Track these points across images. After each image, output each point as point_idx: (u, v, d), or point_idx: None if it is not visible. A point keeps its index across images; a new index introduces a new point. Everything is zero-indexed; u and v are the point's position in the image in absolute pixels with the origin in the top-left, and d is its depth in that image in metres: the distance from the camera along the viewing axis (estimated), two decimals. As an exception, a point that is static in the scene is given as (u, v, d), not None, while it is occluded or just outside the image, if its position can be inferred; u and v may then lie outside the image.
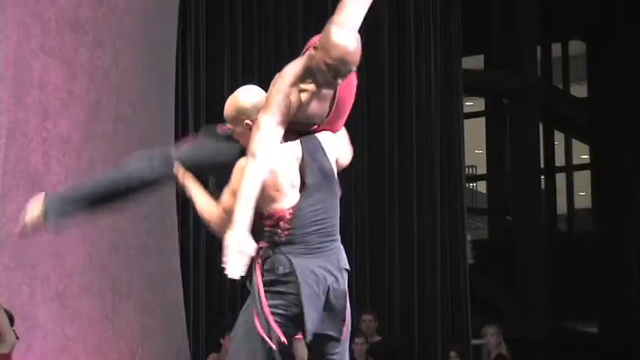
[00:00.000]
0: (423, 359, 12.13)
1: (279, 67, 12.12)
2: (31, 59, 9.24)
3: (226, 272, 3.53)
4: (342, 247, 3.87)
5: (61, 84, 9.44)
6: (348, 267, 3.86)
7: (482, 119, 15.91)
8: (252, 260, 3.66)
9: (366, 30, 12.36)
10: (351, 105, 3.89)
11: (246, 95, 3.85)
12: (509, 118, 15.65)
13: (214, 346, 10.30)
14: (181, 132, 10.64)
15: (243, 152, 3.74)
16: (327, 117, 3.80)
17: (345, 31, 3.72)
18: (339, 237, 3.86)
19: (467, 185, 14.91)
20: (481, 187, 17.45)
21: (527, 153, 15.12)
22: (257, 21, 11.82)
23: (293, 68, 3.75)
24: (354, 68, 3.70)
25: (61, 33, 9.48)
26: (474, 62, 15.50)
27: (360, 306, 11.37)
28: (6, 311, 7.81)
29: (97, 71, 9.79)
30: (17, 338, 7.83)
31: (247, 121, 3.77)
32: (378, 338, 10.35)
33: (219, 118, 11.22)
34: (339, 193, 3.88)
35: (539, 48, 16.05)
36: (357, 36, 3.75)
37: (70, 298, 9.28)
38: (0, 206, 8.90)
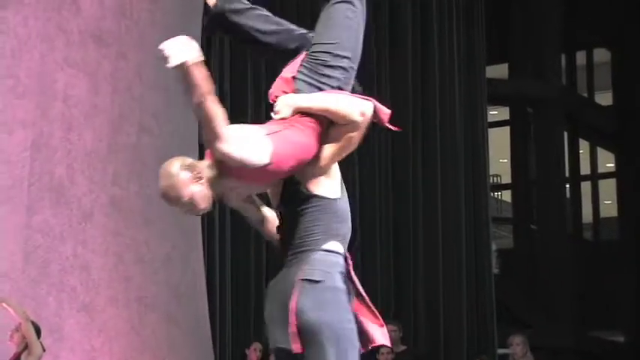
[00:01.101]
0: (449, 369, 12.09)
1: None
2: (55, 72, 9.29)
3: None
4: (311, 256, 3.71)
5: (84, 96, 9.49)
6: (305, 277, 3.66)
7: (507, 128, 15.85)
8: None
9: (390, 39, 12.42)
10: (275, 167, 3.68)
11: None
12: (533, 126, 15.59)
13: (240, 357, 10.30)
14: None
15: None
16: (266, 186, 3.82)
17: (164, 171, 3.65)
18: (311, 247, 3.72)
19: (492, 194, 14.85)
20: (506, 196, 17.38)
21: (552, 162, 15.06)
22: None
23: None
24: (182, 202, 3.62)
25: (85, 46, 9.53)
26: (497, 71, 15.46)
27: (385, 316, 11.35)
28: (33, 323, 7.83)
29: (121, 83, 9.82)
30: (44, 350, 7.86)
31: None
32: (403, 348, 10.32)
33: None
34: (302, 207, 3.76)
35: (563, 56, 16.00)
36: (169, 174, 3.62)
37: (96, 309, 9.31)
38: (26, 218, 8.94)
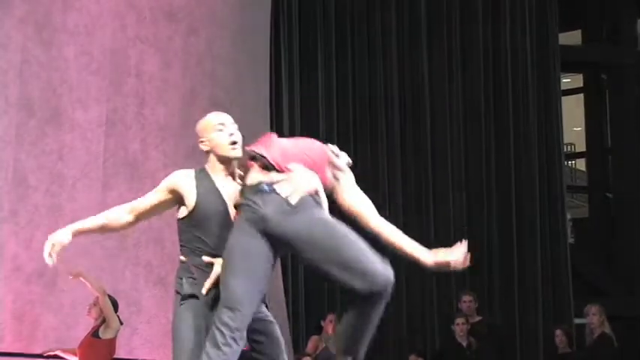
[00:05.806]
0: (524, 339, 12.01)
1: (372, 48, 11.98)
2: (128, 48, 9.39)
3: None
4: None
5: (156, 72, 9.57)
6: None
7: (581, 96, 15.63)
8: None
9: (461, 7, 12.28)
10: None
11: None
12: (608, 93, 15.35)
13: (315, 328, 10.33)
14: (275, 117, 10.65)
15: None
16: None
17: None
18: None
19: (566, 163, 14.68)
20: (580, 164, 17.16)
21: (627, 128, 14.81)
22: (350, 2, 11.80)
23: None
24: None
25: (156, 22, 9.60)
26: (571, 38, 15.23)
27: (460, 287, 11.31)
28: (110, 297, 7.93)
29: (191, 58, 9.89)
30: (121, 324, 7.96)
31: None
32: (478, 318, 10.29)
33: (313, 100, 11.24)
34: None
35: (638, 21, 15.70)
36: None
37: (171, 283, 9.37)
38: (102, 193, 9.06)
